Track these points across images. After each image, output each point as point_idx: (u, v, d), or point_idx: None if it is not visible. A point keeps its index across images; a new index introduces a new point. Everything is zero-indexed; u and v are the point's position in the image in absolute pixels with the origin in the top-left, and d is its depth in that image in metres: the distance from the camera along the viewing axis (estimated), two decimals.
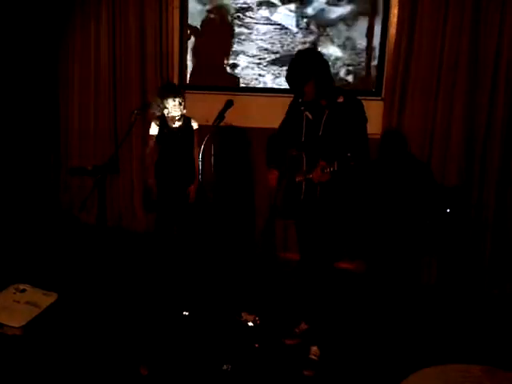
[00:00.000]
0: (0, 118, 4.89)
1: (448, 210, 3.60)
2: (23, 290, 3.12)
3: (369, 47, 4.08)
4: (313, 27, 4.17)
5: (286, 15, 4.21)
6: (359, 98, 2.55)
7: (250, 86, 4.45)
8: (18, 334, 2.81)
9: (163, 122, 3.45)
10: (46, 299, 3.06)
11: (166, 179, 3.53)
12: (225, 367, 2.54)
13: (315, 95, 2.47)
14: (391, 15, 3.94)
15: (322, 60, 2.49)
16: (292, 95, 2.68)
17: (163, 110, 3.39)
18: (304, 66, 2.44)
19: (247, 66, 4.41)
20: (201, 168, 3.30)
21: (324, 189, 2.50)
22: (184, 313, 3.09)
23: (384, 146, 3.88)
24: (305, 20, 4.17)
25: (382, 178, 3.85)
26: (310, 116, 2.55)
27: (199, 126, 3.57)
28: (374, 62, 4.09)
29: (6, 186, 4.95)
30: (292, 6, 4.18)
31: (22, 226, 4.71)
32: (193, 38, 4.58)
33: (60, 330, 2.90)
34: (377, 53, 4.06)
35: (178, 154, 3.48)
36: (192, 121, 3.54)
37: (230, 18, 4.36)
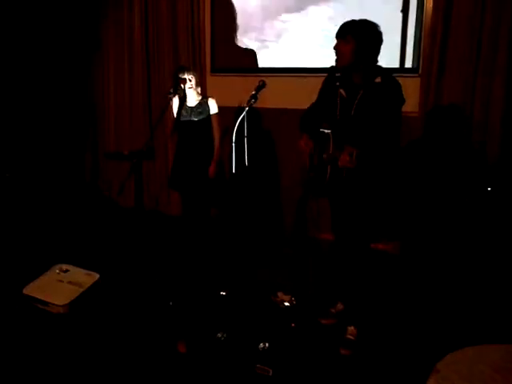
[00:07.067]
0: (38, 109, 5.06)
1: (489, 189, 3.48)
2: (66, 271, 3.25)
3: (404, 21, 3.92)
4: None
5: None
6: (395, 75, 2.46)
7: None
8: (63, 312, 2.93)
9: (182, 99, 3.52)
10: (88, 279, 3.17)
11: (184, 158, 3.57)
12: (261, 346, 2.58)
13: (349, 64, 2.38)
14: None
15: (375, 33, 2.35)
16: (324, 74, 2.64)
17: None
18: (355, 24, 2.35)
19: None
20: (234, 152, 3.28)
21: (350, 172, 2.44)
22: (221, 293, 3.15)
23: (434, 124, 3.74)
24: None
25: (424, 157, 3.75)
26: (343, 94, 2.49)
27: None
28: (410, 37, 3.93)
29: (49, 173, 5.13)
30: None
31: (64, 210, 4.87)
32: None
33: (102, 308, 3.01)
34: (413, 27, 3.89)
35: (194, 135, 3.53)
36: (210, 102, 3.51)
37: None
